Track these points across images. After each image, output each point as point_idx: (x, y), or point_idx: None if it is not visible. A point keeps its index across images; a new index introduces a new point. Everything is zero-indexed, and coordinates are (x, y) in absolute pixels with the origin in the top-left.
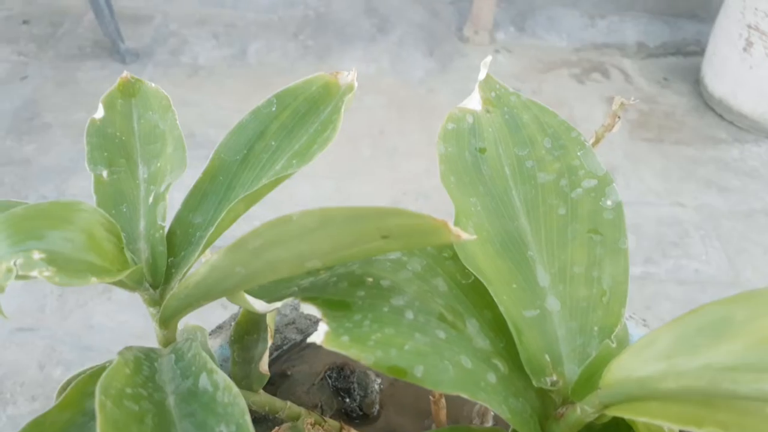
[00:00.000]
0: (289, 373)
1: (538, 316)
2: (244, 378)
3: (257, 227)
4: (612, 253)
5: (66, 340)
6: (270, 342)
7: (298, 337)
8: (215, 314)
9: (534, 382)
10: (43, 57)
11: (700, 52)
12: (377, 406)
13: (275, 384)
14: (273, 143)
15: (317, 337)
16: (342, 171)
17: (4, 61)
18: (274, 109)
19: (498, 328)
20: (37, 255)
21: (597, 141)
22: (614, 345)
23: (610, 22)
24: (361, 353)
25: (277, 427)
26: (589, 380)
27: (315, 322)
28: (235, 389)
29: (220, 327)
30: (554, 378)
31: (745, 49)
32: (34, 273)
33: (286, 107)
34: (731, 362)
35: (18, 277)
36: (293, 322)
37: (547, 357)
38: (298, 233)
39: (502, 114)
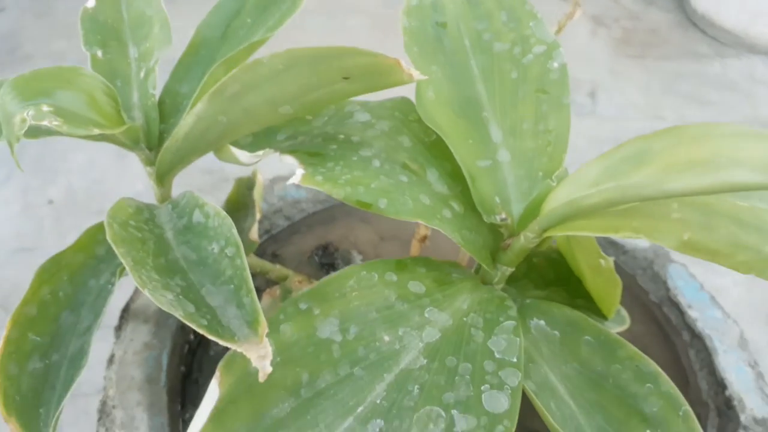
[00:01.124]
0: (278, 253)
1: (491, 165)
2: None
3: (233, 72)
4: (556, 108)
5: None
6: (258, 215)
7: (286, 224)
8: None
9: (485, 219)
10: None
11: None
12: None
13: None
14: (249, 20)
15: (295, 178)
16: None
17: None
18: None
19: (455, 176)
20: (46, 108)
21: (560, 29)
22: (554, 184)
23: None
24: (333, 189)
25: (269, 288)
26: (532, 213)
27: (301, 210)
28: (223, 213)
29: None
30: (503, 215)
31: None
32: (45, 122)
33: None
34: (645, 182)
35: (28, 132)
36: (281, 210)
37: (497, 199)
38: (268, 75)
39: None
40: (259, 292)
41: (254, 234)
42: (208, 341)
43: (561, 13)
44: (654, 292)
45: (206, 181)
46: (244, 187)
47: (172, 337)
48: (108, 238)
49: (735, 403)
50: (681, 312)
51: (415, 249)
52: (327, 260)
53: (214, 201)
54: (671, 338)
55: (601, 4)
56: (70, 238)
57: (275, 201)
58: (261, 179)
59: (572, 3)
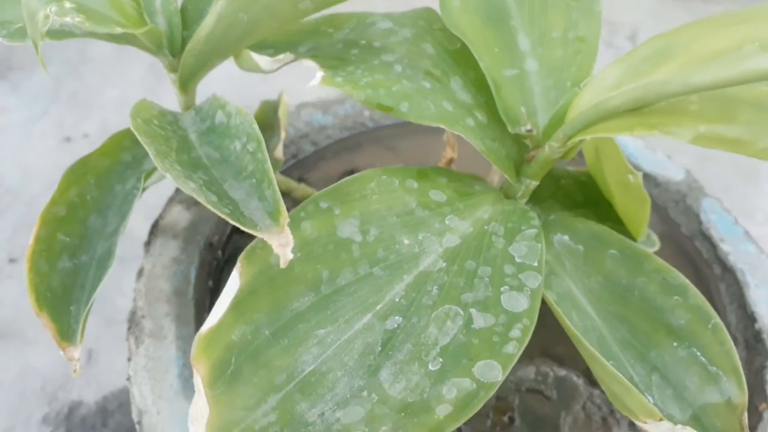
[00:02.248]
0: (304, 178)
1: (517, 75)
2: None
3: None
4: (587, 16)
5: None
6: (283, 134)
7: (312, 149)
8: None
9: (510, 130)
10: None
11: None
12: None
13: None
14: None
15: (315, 80)
16: None
17: None
18: None
19: (480, 86)
20: (68, 4)
21: None
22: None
23: None
24: (354, 90)
25: (293, 209)
26: (558, 123)
27: (327, 137)
28: (244, 110)
29: None
30: (528, 126)
31: None
32: (67, 19)
33: None
34: (668, 78)
35: (52, 33)
36: (307, 135)
37: (523, 109)
38: None
39: None
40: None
41: (279, 152)
42: (236, 259)
43: None
44: (686, 225)
45: None
46: (270, 109)
47: (200, 253)
48: (131, 127)
49: (764, 336)
50: (713, 245)
51: (444, 165)
52: None
53: None
54: (702, 272)
55: None
56: None
57: (302, 126)
58: (286, 101)
59: None
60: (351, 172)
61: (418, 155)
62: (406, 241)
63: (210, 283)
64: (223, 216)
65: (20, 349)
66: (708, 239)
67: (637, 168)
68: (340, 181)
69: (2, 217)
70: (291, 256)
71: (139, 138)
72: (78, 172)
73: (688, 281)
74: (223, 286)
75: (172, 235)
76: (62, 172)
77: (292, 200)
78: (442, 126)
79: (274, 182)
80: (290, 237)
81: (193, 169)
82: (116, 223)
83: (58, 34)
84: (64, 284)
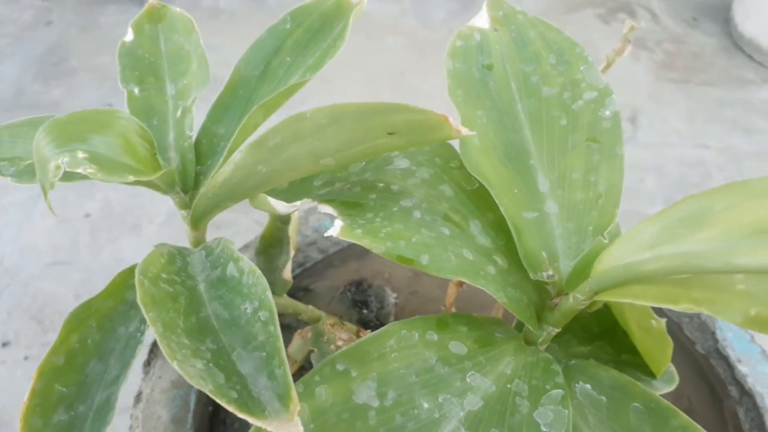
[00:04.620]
0: (311, 287)
1: (537, 217)
2: (270, 285)
3: (276, 125)
4: (608, 159)
5: (99, 272)
6: (292, 253)
7: (320, 256)
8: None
9: (531, 276)
10: (66, 2)
11: None
12: (392, 318)
13: (298, 298)
14: (288, 59)
15: (333, 230)
16: None
17: (29, 7)
18: (288, 26)
19: (499, 228)
20: (81, 155)
21: (608, 66)
22: (606, 241)
23: None
24: (373, 243)
25: (300, 330)
26: (582, 272)
27: (335, 243)
28: (258, 272)
29: (246, 246)
30: (550, 272)
31: None
32: (79, 170)
33: (300, 24)
34: (707, 247)
35: (63, 177)
36: (315, 243)
37: (544, 254)
38: (311, 130)
39: (509, 32)
40: (291, 330)
41: (288, 273)
42: None
43: (608, 47)
44: (701, 343)
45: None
46: (280, 222)
47: None
48: (138, 300)
49: None
50: (730, 366)
51: (452, 292)
52: (360, 297)
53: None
54: (718, 393)
55: (644, 27)
56: (106, 252)
57: (309, 233)
58: (296, 215)
59: (622, 38)
60: (359, 282)
61: None
62: (425, 405)
63: (210, 408)
64: (230, 407)
65: None
66: (724, 359)
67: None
68: (358, 341)
69: None
70: None
71: (145, 315)
72: (80, 316)
73: None
74: (223, 411)
75: None
76: (60, 254)
77: (298, 321)
78: (463, 280)
79: (286, 362)
80: (300, 428)
81: (202, 338)
82: (117, 370)
83: (70, 176)
84: None
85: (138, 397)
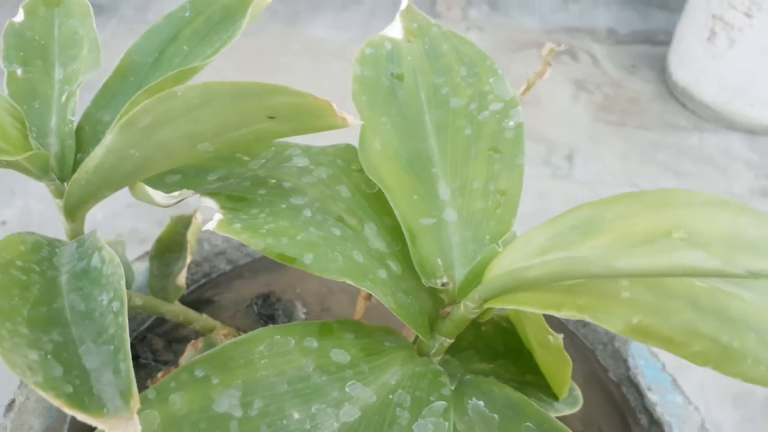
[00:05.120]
0: (215, 299)
1: (435, 224)
2: (160, 290)
3: (145, 103)
4: (509, 168)
5: None
6: (189, 258)
7: (228, 267)
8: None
9: (425, 282)
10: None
11: (669, 41)
12: None
13: (200, 309)
14: (185, 47)
15: (211, 224)
16: (305, 138)
17: None
18: (188, 14)
19: (396, 234)
20: None
21: (528, 88)
22: (500, 249)
23: (582, 6)
24: (252, 239)
25: (193, 341)
26: (474, 280)
27: (246, 254)
28: (117, 260)
29: (147, 253)
30: (444, 279)
31: (709, 39)
32: None
33: (200, 13)
34: (593, 257)
35: None
36: (224, 253)
37: (439, 261)
38: (184, 109)
39: (423, 44)
40: (187, 342)
41: (182, 279)
42: None
43: (549, 86)
44: (613, 370)
45: (168, 212)
46: (180, 226)
47: None
48: None
49: None
50: (640, 394)
51: (360, 306)
52: (266, 311)
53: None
54: (628, 421)
55: (585, 70)
56: None
57: (219, 242)
58: (199, 219)
59: (542, 62)
60: (267, 295)
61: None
62: (296, 415)
63: None
64: (58, 403)
65: None
66: (635, 386)
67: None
68: (221, 345)
69: None
70: None
71: None
72: None
73: None
74: None
75: None
76: None
77: (195, 332)
78: (348, 281)
79: (129, 356)
80: (138, 427)
81: (47, 329)
82: None
83: None
84: None
85: (10, 406)
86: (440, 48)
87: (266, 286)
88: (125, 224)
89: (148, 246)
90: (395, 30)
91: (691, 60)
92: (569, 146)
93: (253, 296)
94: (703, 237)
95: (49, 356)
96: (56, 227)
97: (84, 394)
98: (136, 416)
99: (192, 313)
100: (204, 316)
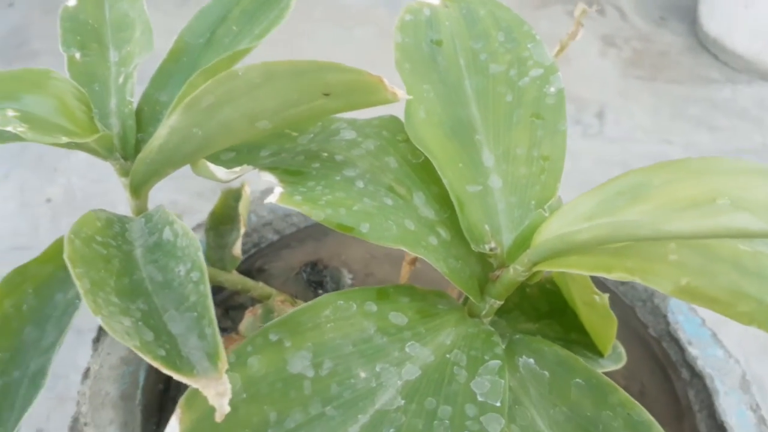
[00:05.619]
0: (265, 268)
1: (481, 191)
2: (218, 260)
3: (207, 84)
4: (551, 134)
5: None
6: (242, 230)
7: (276, 237)
8: None
9: (474, 248)
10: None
11: None
12: None
13: (252, 277)
14: (234, 28)
15: (273, 197)
16: None
17: None
18: None
19: (444, 201)
20: (11, 113)
21: (561, 49)
22: (547, 214)
23: None
24: (312, 210)
25: (251, 307)
26: (522, 244)
27: (291, 224)
28: (191, 233)
29: (199, 225)
30: (492, 245)
31: None
32: (9, 128)
33: None
34: (640, 221)
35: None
36: (270, 223)
37: (486, 227)
38: (245, 89)
39: (460, 9)
40: (243, 309)
41: (237, 249)
42: None
43: (575, 43)
44: (653, 326)
45: (206, 185)
46: (231, 200)
47: None
48: (65, 256)
49: None
50: (681, 349)
51: (405, 271)
52: (315, 278)
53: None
54: (670, 375)
55: (612, 25)
56: None
57: (265, 213)
58: (248, 192)
59: (575, 22)
60: (314, 263)
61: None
62: (362, 374)
63: (160, 385)
64: (155, 363)
65: None
66: (675, 341)
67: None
68: (292, 311)
69: None
70: (228, 409)
71: (71, 270)
72: (14, 281)
73: (652, 418)
74: (174, 389)
75: None
76: (21, 239)
77: (251, 299)
78: (403, 248)
79: (215, 321)
80: (228, 386)
81: (133, 298)
82: (53, 336)
83: (2, 137)
84: None
85: (86, 374)
86: (477, 13)
87: (312, 254)
88: (165, 197)
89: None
90: None
91: (723, 9)
92: (599, 104)
93: (301, 264)
94: (746, 203)
95: (139, 323)
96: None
97: (175, 357)
98: (225, 375)
99: (249, 282)
100: (260, 284)
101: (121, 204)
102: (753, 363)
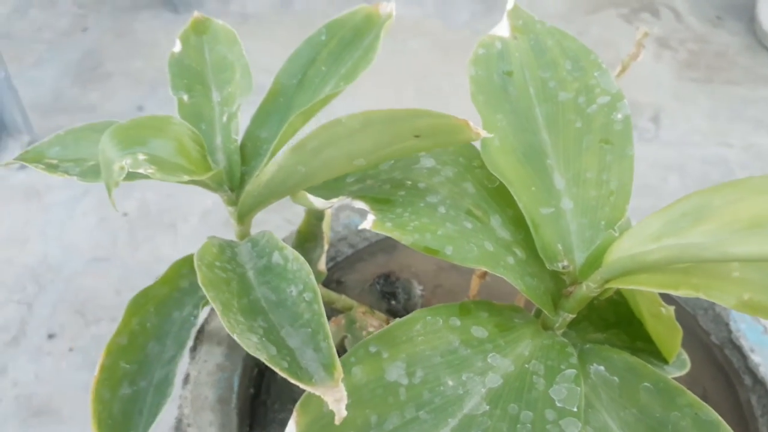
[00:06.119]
0: (342, 280)
1: (553, 213)
2: None
3: (314, 130)
4: (619, 158)
5: (137, 268)
6: (326, 246)
7: (350, 251)
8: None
9: (548, 266)
10: (102, 9)
11: None
12: (419, 308)
13: (331, 289)
14: (323, 68)
15: (367, 224)
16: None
17: (66, 14)
18: (323, 38)
19: (518, 223)
20: (141, 156)
21: (623, 70)
22: (617, 234)
23: None
24: (402, 235)
25: (334, 317)
26: (594, 263)
27: (364, 239)
28: (302, 259)
29: (284, 240)
30: (565, 263)
31: None
32: (141, 170)
33: (333, 36)
34: (705, 239)
35: (126, 175)
36: (345, 238)
37: (559, 246)
38: (346, 134)
39: (528, 40)
40: (327, 319)
41: (322, 265)
42: None
43: (631, 47)
44: (715, 334)
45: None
46: (314, 218)
47: (243, 359)
48: (199, 281)
49: None
50: (743, 356)
51: (475, 284)
52: (388, 289)
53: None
54: (732, 382)
55: (667, 26)
56: (143, 250)
57: (340, 229)
58: (329, 211)
59: (636, 43)
60: (387, 275)
61: None
62: (450, 382)
63: (251, 390)
64: (282, 373)
65: (56, 428)
66: (738, 349)
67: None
68: (389, 325)
69: (44, 294)
70: (345, 413)
71: (206, 294)
72: (139, 302)
73: (719, 417)
74: (263, 393)
75: (217, 341)
76: (100, 251)
77: (332, 310)
78: (484, 268)
79: (330, 336)
80: (344, 393)
81: (254, 316)
82: (174, 350)
83: (132, 176)
84: (124, 410)
85: (186, 380)
86: (545, 43)
87: (384, 266)
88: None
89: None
90: (503, 29)
91: None
92: (654, 107)
93: (374, 276)
94: None
95: (263, 339)
96: (173, 217)
97: (296, 368)
98: (341, 384)
99: (333, 294)
100: (342, 296)
101: (192, 216)
102: None
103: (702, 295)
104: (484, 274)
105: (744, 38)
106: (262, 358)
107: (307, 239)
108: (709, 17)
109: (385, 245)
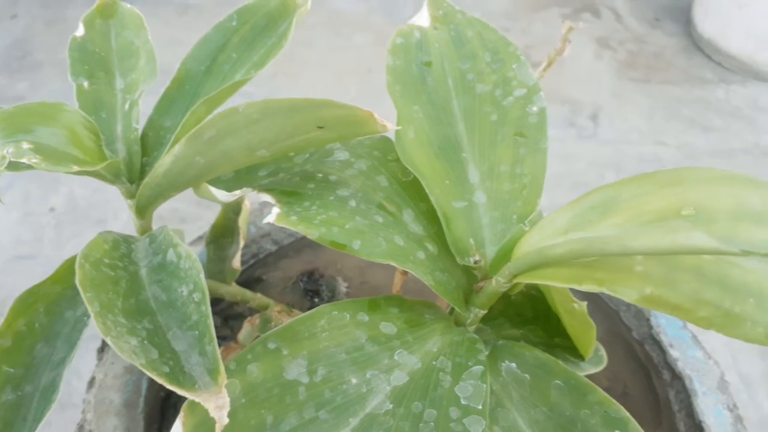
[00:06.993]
0: (264, 278)
1: (466, 207)
2: (218, 272)
3: (210, 118)
4: (533, 152)
5: None
6: (242, 243)
7: (274, 248)
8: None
9: (459, 261)
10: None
11: None
12: None
13: (252, 288)
14: (234, 55)
15: (270, 217)
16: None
17: None
18: (234, 23)
19: (431, 217)
20: (26, 145)
21: (549, 65)
22: (527, 228)
23: None
24: (307, 229)
25: (249, 318)
26: (504, 257)
27: (289, 235)
28: (194, 256)
29: (200, 237)
30: (477, 257)
31: None
32: (24, 160)
33: (245, 22)
34: (610, 232)
35: (10, 166)
36: (269, 234)
37: (471, 241)
38: (244, 123)
39: (449, 30)
40: (242, 318)
41: (236, 262)
42: None
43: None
44: (637, 329)
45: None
46: (231, 213)
47: None
48: (77, 281)
49: None
50: (662, 351)
51: (398, 280)
52: (311, 287)
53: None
54: (652, 377)
55: (607, 27)
56: (70, 247)
57: (264, 225)
58: (248, 206)
59: (561, 39)
60: (311, 272)
61: None
62: (354, 380)
63: (162, 393)
64: (160, 380)
65: None
66: (658, 344)
67: None
68: (289, 321)
69: None
70: (227, 420)
71: (82, 295)
72: (27, 301)
73: (628, 415)
74: (175, 396)
75: None
76: (24, 248)
77: (249, 309)
78: (392, 263)
79: (215, 339)
80: (227, 399)
81: (139, 318)
82: (64, 352)
83: (17, 166)
84: (5, 418)
85: (91, 383)
86: (465, 34)
87: (309, 263)
88: (166, 204)
89: (189, 225)
90: (423, 18)
91: (717, 10)
92: (593, 106)
93: (299, 273)
94: (710, 212)
95: (145, 342)
96: (102, 212)
97: (178, 373)
98: (224, 390)
99: (248, 293)
100: (258, 295)
101: (123, 212)
102: (741, 361)
103: (605, 290)
104: (406, 272)
105: (681, 40)
106: (138, 363)
107: (223, 234)
108: (648, 19)
109: (312, 242)
